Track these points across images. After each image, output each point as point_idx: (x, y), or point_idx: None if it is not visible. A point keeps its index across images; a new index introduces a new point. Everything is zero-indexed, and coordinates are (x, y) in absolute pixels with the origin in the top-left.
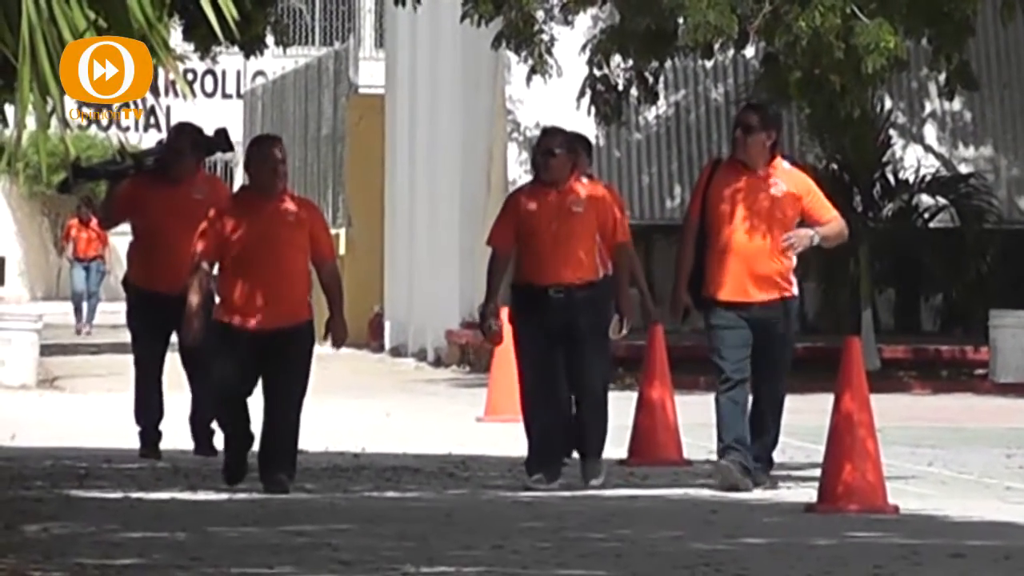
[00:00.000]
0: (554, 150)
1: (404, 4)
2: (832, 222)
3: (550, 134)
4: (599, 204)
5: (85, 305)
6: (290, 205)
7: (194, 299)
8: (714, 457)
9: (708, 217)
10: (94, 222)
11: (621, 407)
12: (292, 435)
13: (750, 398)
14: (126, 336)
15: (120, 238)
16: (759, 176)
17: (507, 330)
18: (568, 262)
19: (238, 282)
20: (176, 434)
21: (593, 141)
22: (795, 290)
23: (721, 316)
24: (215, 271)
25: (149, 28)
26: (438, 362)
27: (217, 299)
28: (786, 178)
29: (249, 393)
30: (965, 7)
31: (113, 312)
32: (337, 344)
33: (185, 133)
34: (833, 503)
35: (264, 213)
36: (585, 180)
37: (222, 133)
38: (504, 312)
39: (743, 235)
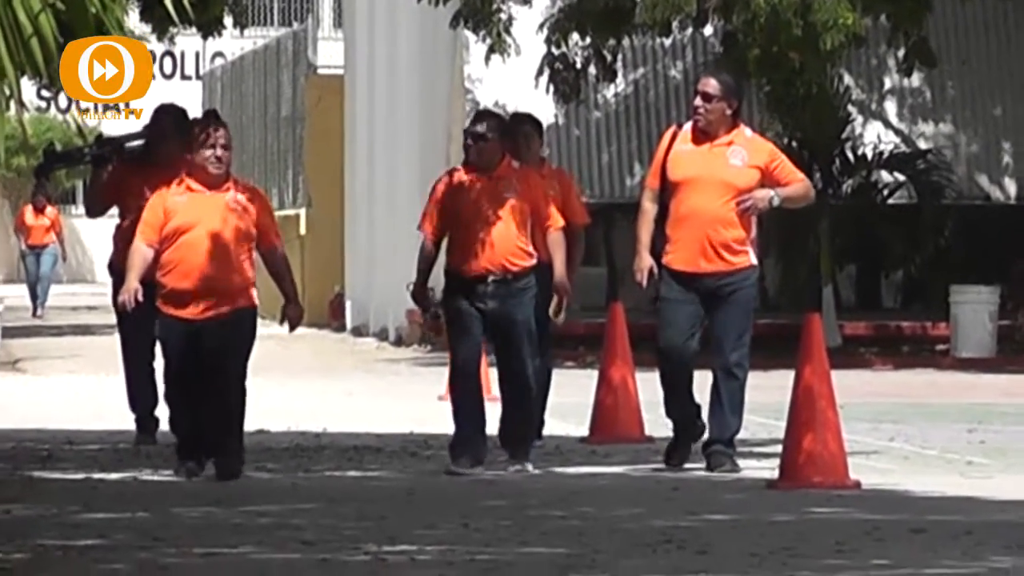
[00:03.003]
0: (485, 134)
1: None
2: (796, 183)
3: (480, 117)
4: (531, 189)
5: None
6: (234, 192)
7: (133, 278)
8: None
9: (666, 185)
10: (48, 209)
11: (582, 385)
12: (237, 420)
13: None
14: (87, 318)
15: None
16: (719, 145)
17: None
18: (502, 250)
19: (179, 268)
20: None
21: (552, 120)
22: (753, 259)
23: (672, 289)
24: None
25: (104, 9)
26: (399, 342)
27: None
28: (747, 146)
29: (194, 378)
30: None
31: (73, 295)
32: (292, 327)
33: (167, 114)
34: (795, 476)
35: (208, 199)
36: (517, 165)
37: (211, 114)
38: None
39: (700, 204)
